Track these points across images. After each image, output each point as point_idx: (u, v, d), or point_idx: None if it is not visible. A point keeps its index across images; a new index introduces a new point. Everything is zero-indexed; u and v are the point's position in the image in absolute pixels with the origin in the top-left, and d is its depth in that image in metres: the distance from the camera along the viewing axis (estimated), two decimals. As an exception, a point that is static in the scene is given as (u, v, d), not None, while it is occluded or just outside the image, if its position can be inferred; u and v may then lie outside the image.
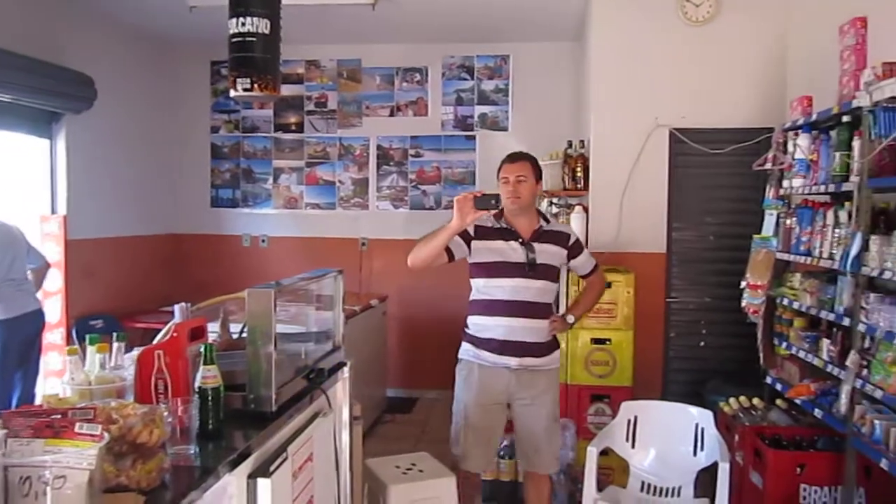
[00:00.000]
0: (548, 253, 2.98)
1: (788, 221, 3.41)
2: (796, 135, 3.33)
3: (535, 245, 2.96)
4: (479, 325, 3.01)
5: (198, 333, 1.83)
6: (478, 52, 5.92)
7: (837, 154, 2.93)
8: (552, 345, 3.05)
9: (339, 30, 5.57)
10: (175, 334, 1.77)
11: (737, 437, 3.41)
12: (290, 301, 2.25)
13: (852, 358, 2.72)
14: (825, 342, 3.04)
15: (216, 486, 1.53)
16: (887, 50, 2.89)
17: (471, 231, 2.94)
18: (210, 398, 1.68)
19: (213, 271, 6.02)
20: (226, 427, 1.73)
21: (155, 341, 1.91)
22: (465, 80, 5.97)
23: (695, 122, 4.41)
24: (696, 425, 3.12)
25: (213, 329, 2.26)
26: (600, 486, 3.02)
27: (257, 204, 6.24)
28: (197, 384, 1.69)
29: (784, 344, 3.47)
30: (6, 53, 4.21)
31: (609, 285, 3.73)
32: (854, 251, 2.69)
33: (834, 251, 2.92)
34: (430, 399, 5.83)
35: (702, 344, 4.49)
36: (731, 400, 3.68)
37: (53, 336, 4.63)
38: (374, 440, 4.73)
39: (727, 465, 2.81)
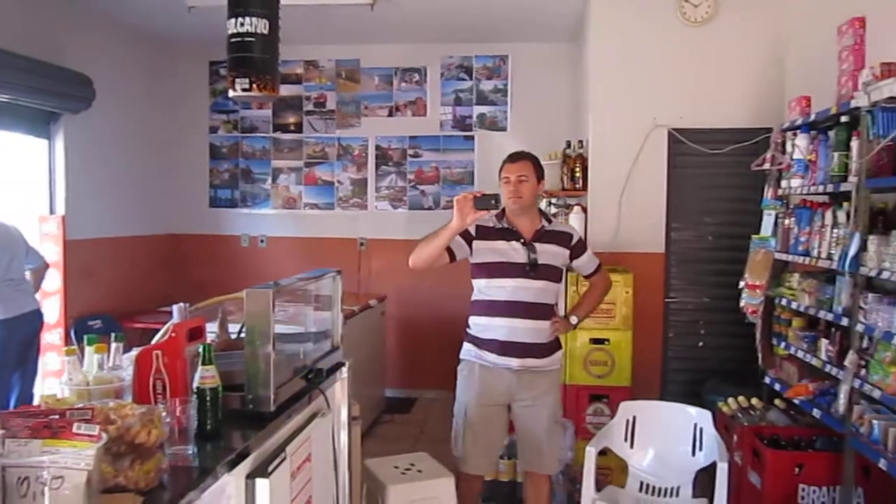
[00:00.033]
0: (549, 253, 2.96)
1: (787, 221, 3.41)
2: (795, 135, 3.33)
3: (537, 245, 2.95)
4: (480, 325, 3.00)
5: (196, 334, 1.84)
6: (476, 52, 5.92)
7: (836, 154, 2.93)
8: (554, 346, 3.04)
9: (337, 30, 5.56)
10: (173, 334, 1.77)
11: (735, 437, 3.41)
12: (289, 301, 2.26)
13: (850, 358, 2.72)
14: (823, 342, 3.04)
15: (214, 486, 1.53)
16: (886, 50, 2.90)
17: (472, 231, 2.93)
18: (208, 398, 1.69)
19: (211, 271, 6.01)
20: (224, 427, 1.74)
21: (153, 341, 1.91)
22: (464, 80, 5.97)
23: (693, 122, 4.41)
24: (695, 425, 3.12)
25: (212, 329, 2.26)
26: (599, 486, 3.02)
27: (256, 204, 6.23)
28: (195, 384, 1.69)
29: (782, 344, 3.47)
30: (5, 53, 4.20)
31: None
32: (852, 251, 2.69)
33: (832, 251, 2.93)
34: (428, 399, 5.83)
35: (700, 344, 4.49)
36: (730, 400, 3.68)
37: (52, 336, 4.63)
38: (372, 440, 4.72)
39: (726, 465, 2.81)
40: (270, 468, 1.75)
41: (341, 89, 6.09)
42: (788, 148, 3.41)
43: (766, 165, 3.59)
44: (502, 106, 5.94)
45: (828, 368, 2.97)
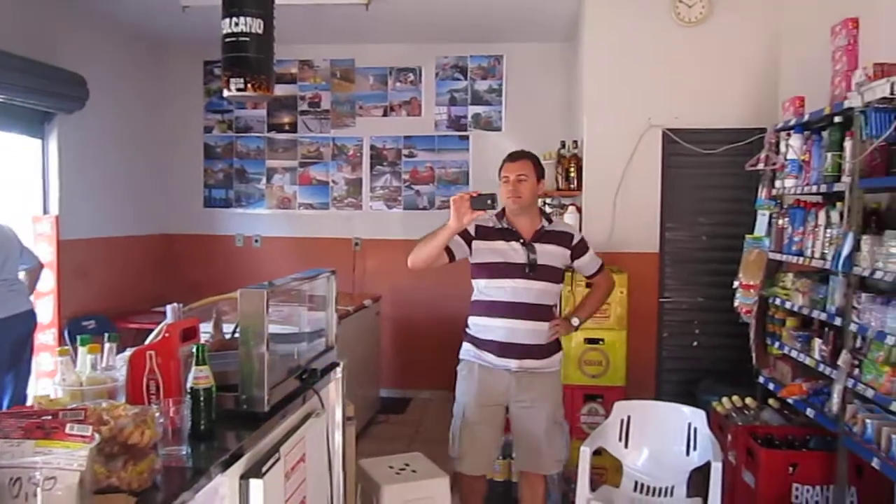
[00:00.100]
0: (549, 254, 2.95)
1: (781, 221, 3.42)
2: (788, 135, 3.35)
3: (536, 246, 2.93)
4: (479, 326, 2.99)
5: (190, 334, 1.83)
6: (471, 52, 5.92)
7: (829, 154, 2.94)
8: (553, 347, 3.01)
9: (332, 30, 5.56)
10: (167, 335, 1.77)
11: (729, 437, 3.42)
12: (283, 301, 2.25)
13: (844, 357, 2.73)
14: (817, 342, 3.05)
15: (208, 486, 1.53)
16: (879, 51, 2.91)
17: (472, 231, 2.92)
18: (202, 399, 1.68)
19: (206, 271, 6.00)
20: (218, 428, 1.73)
21: (147, 342, 1.90)
22: (459, 80, 5.97)
23: (688, 122, 4.43)
24: (689, 425, 3.12)
25: (206, 329, 2.26)
26: (593, 486, 3.02)
27: (250, 204, 6.22)
28: (189, 385, 1.69)
29: (776, 343, 3.49)
30: (-2, 53, 4.19)
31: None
32: (846, 251, 2.70)
33: (826, 251, 2.94)
34: (423, 399, 5.83)
35: (695, 344, 4.51)
36: (724, 399, 3.69)
37: (45, 337, 4.61)
38: (367, 440, 4.72)
39: (720, 465, 2.81)
40: (264, 469, 1.75)
41: (336, 89, 6.09)
42: (782, 148, 3.42)
43: (760, 165, 3.60)
44: (497, 106, 5.94)
45: (821, 368, 2.98)
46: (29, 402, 1.93)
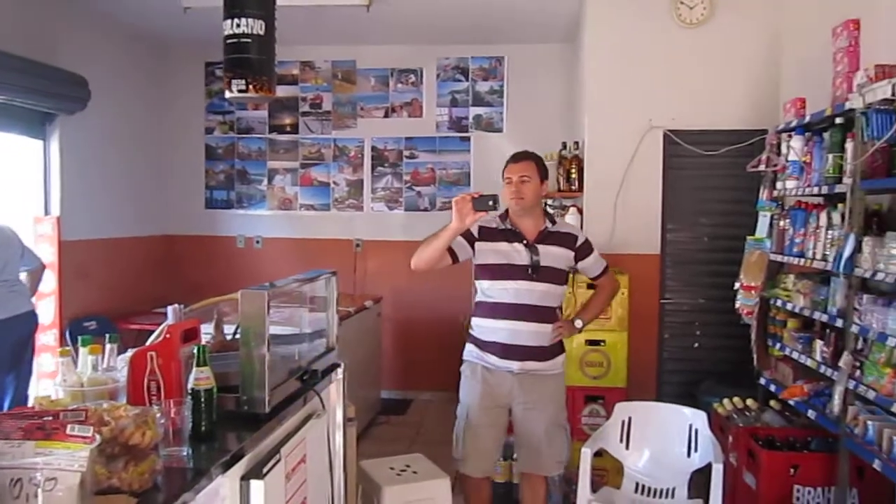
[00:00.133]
0: (552, 255, 2.93)
1: (782, 223, 3.42)
2: (790, 136, 3.34)
3: (540, 247, 2.92)
4: (482, 327, 2.98)
5: (191, 335, 1.84)
6: (472, 53, 5.92)
7: (830, 156, 2.94)
8: (556, 349, 3.00)
9: (333, 31, 5.56)
10: (168, 336, 1.77)
11: (730, 438, 3.42)
12: (284, 302, 2.25)
13: (845, 359, 2.72)
14: (818, 343, 3.05)
15: (209, 487, 1.53)
16: (880, 52, 2.90)
17: (475, 232, 2.91)
18: (203, 400, 1.68)
19: (207, 273, 5.99)
20: (219, 429, 1.73)
21: (148, 343, 1.90)
22: (460, 81, 5.97)
23: (689, 123, 4.42)
24: (690, 426, 3.12)
25: (207, 330, 2.26)
26: (594, 488, 3.02)
27: (252, 205, 6.22)
28: (190, 386, 1.69)
29: (777, 345, 3.48)
30: (-1, 54, 4.20)
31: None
32: (847, 253, 2.69)
33: (827, 252, 2.93)
34: (424, 400, 5.83)
35: (696, 345, 4.50)
36: (725, 401, 3.68)
37: (47, 337, 4.62)
38: (368, 442, 4.72)
39: (721, 466, 2.81)
40: (265, 470, 1.75)
41: (337, 90, 6.09)
42: (783, 149, 3.42)
43: (762, 167, 3.59)
44: (498, 107, 5.94)
45: (822, 369, 2.97)
46: (30, 403, 1.94)
